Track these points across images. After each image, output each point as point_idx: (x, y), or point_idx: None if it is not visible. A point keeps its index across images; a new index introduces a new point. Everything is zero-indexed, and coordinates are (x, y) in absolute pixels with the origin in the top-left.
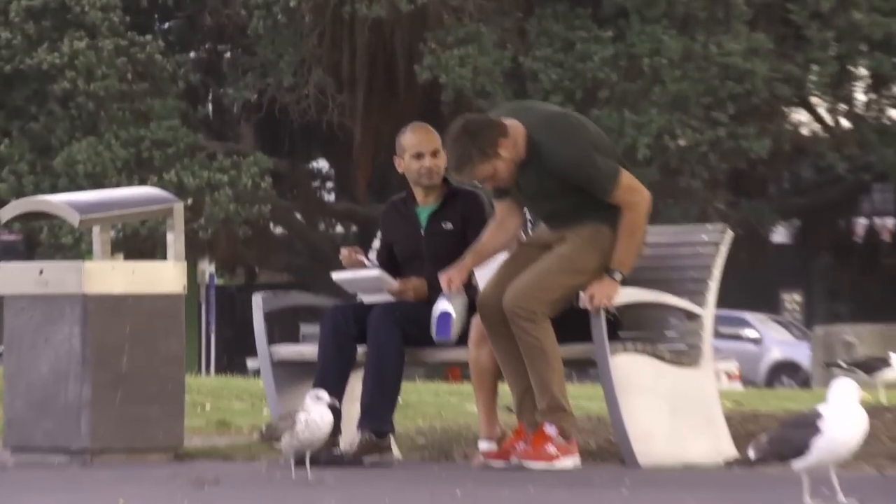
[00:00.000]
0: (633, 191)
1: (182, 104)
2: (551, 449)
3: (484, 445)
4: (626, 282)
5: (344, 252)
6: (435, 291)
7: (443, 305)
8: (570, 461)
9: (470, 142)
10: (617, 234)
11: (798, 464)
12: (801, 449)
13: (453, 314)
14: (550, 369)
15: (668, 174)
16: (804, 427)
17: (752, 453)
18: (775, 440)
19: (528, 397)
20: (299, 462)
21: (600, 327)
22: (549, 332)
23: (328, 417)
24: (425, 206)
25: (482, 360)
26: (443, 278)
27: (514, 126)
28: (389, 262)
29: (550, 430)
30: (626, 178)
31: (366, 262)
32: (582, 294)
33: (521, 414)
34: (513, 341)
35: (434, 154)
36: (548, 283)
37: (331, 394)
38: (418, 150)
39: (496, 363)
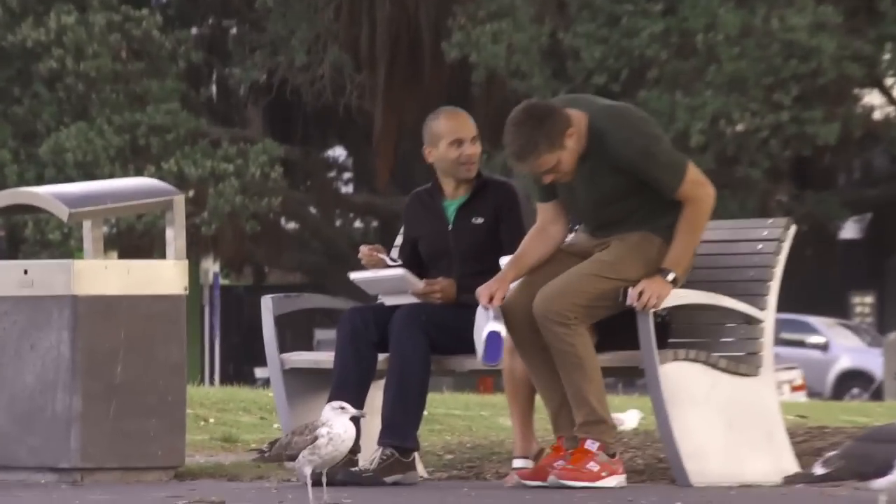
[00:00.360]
0: (699, 185)
1: (182, 86)
2: (594, 466)
3: (519, 463)
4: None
5: (364, 250)
6: (464, 293)
7: (491, 325)
8: (615, 480)
9: (537, 128)
10: (670, 243)
11: (879, 483)
12: (884, 466)
13: (504, 333)
14: (587, 379)
15: (725, 163)
16: (888, 442)
17: (818, 469)
18: (852, 455)
19: (564, 411)
20: (316, 482)
21: (648, 331)
22: (584, 339)
23: (352, 431)
24: (454, 198)
25: (517, 370)
26: (483, 294)
27: (577, 115)
28: (413, 259)
29: (592, 445)
30: (693, 171)
31: (388, 260)
32: (630, 290)
33: (558, 429)
34: (545, 351)
35: (474, 141)
36: (583, 287)
37: None
38: (458, 135)
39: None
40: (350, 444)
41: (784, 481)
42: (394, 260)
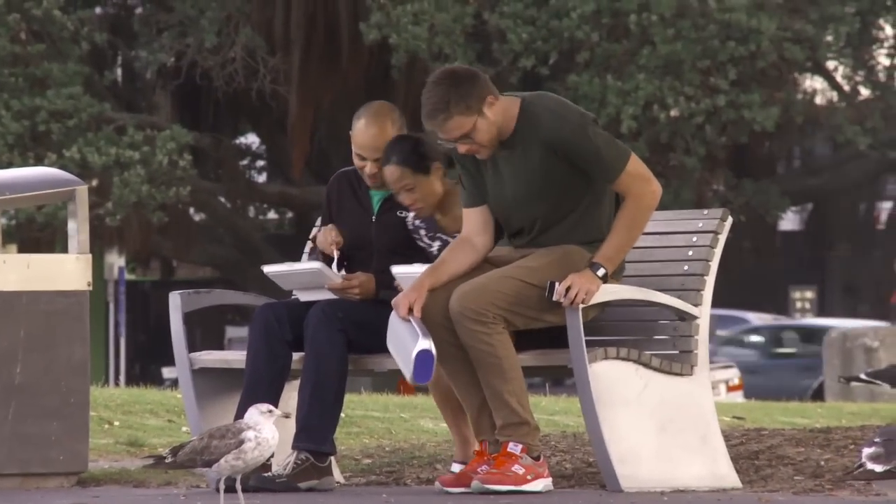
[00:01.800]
0: (642, 179)
1: (85, 69)
2: (518, 469)
3: (457, 468)
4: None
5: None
6: (384, 289)
7: (421, 342)
8: (541, 484)
9: (453, 87)
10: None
11: None
12: None
13: (434, 352)
14: (506, 379)
15: (658, 150)
16: None
17: (875, 466)
18: None
19: (485, 414)
20: (229, 488)
21: (577, 328)
22: (503, 338)
23: (277, 436)
24: (378, 189)
25: (442, 376)
26: (401, 304)
27: (507, 97)
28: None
29: (515, 448)
30: (637, 164)
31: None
32: (557, 286)
33: (480, 433)
34: (462, 351)
35: (376, 162)
36: (502, 288)
37: None
38: (359, 151)
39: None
40: (274, 449)
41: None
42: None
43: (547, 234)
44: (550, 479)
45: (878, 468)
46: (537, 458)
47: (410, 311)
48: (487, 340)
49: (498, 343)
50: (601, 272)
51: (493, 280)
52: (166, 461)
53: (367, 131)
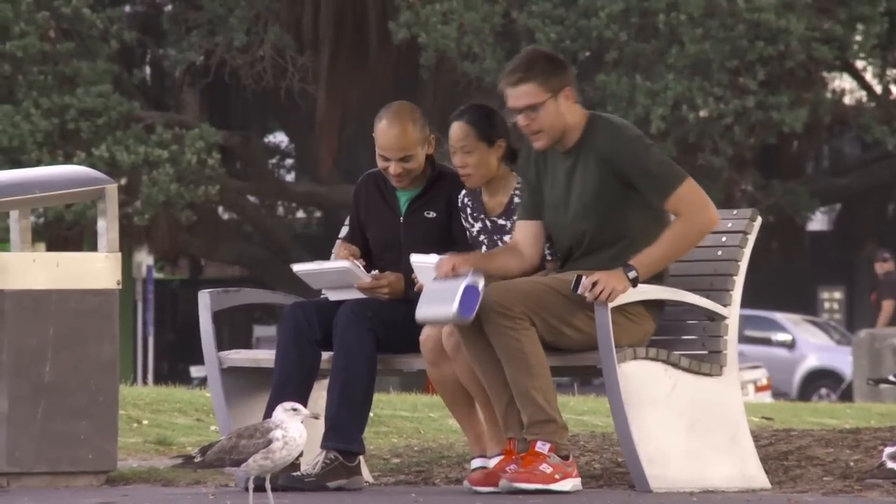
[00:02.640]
0: (698, 204)
1: (114, 67)
2: (546, 468)
3: (477, 463)
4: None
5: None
6: (412, 288)
7: (470, 279)
8: (570, 483)
9: (542, 59)
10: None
11: None
12: None
13: (481, 289)
14: (533, 376)
15: (687, 150)
16: None
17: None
18: None
19: (513, 411)
20: (258, 487)
21: (607, 327)
22: (530, 333)
23: (305, 435)
24: (406, 189)
25: (446, 378)
26: (445, 264)
27: (581, 109)
28: (365, 250)
29: (543, 447)
30: (695, 188)
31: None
32: (584, 279)
33: (508, 430)
34: (491, 347)
35: (402, 160)
36: (529, 288)
37: None
38: (382, 152)
39: (466, 375)
40: (302, 448)
41: (866, 477)
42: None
43: (595, 256)
44: (580, 479)
45: None
46: (566, 458)
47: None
48: (515, 336)
49: (525, 338)
50: (632, 274)
51: (523, 282)
52: (195, 460)
53: (388, 132)
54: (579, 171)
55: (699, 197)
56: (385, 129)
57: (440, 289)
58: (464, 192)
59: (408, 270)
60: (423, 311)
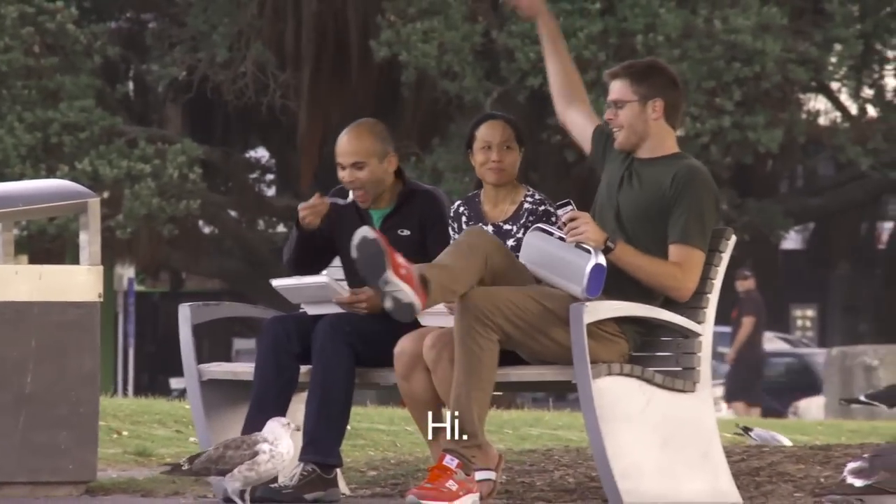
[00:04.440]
0: (689, 269)
1: (98, 82)
2: (452, 485)
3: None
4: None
5: (305, 204)
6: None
7: (596, 257)
8: (470, 499)
9: (642, 65)
10: (624, 327)
11: None
12: None
13: (605, 266)
14: (479, 387)
15: None
16: None
17: (856, 481)
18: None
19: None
20: (229, 499)
21: (582, 344)
22: (492, 346)
23: (293, 452)
24: (378, 208)
25: (416, 391)
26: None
27: (673, 135)
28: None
29: (451, 462)
30: (698, 260)
31: (339, 202)
32: (572, 209)
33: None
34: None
35: (357, 165)
36: (517, 298)
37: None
38: (338, 160)
39: (434, 391)
40: (288, 463)
41: (824, 493)
42: (344, 199)
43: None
44: (478, 494)
45: (859, 483)
46: (468, 474)
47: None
48: (479, 343)
49: (487, 350)
50: (611, 244)
51: (508, 289)
52: (183, 468)
53: (343, 138)
54: (646, 181)
55: (694, 270)
56: (342, 137)
57: (562, 257)
58: (459, 201)
59: None
60: (541, 272)
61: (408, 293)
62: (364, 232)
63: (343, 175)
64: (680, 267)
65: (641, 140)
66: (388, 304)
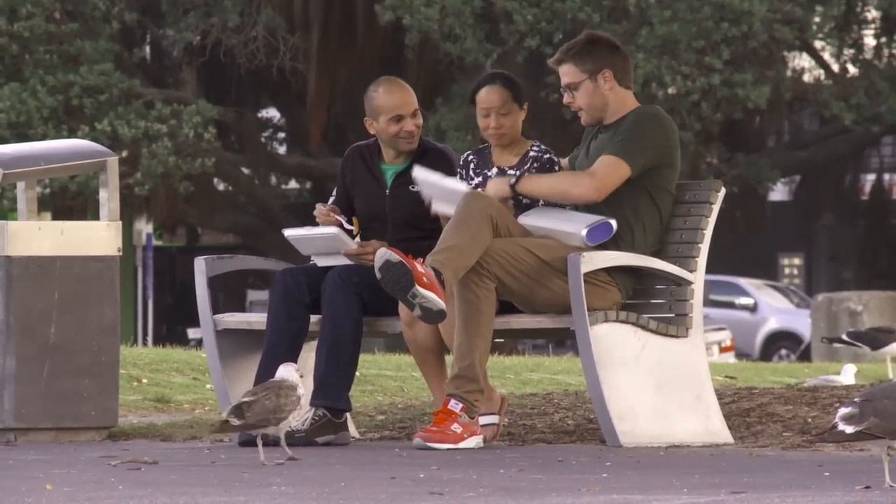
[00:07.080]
0: (597, 175)
1: (116, 46)
2: (457, 428)
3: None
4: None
5: (320, 209)
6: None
7: (612, 221)
8: (474, 441)
9: (584, 43)
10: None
11: None
12: None
13: (615, 227)
14: (478, 333)
15: None
16: None
17: (847, 427)
18: (885, 413)
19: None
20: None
21: (580, 293)
22: (489, 294)
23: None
24: (392, 164)
25: (420, 339)
26: None
27: (631, 96)
28: (350, 212)
29: (456, 406)
30: (613, 168)
31: (343, 223)
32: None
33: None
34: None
35: (414, 115)
36: (513, 249)
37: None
38: (398, 112)
39: (437, 338)
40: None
41: (816, 440)
42: (349, 222)
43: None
44: (482, 436)
45: (850, 429)
46: (472, 417)
47: None
48: (475, 291)
49: (484, 297)
50: (512, 180)
51: (505, 241)
52: (234, 424)
53: (394, 91)
54: (602, 140)
55: (610, 175)
56: (389, 91)
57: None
58: (469, 151)
59: (393, 239)
60: (545, 222)
61: (436, 301)
62: (386, 255)
63: (406, 126)
64: (591, 174)
65: (603, 112)
66: (417, 312)
